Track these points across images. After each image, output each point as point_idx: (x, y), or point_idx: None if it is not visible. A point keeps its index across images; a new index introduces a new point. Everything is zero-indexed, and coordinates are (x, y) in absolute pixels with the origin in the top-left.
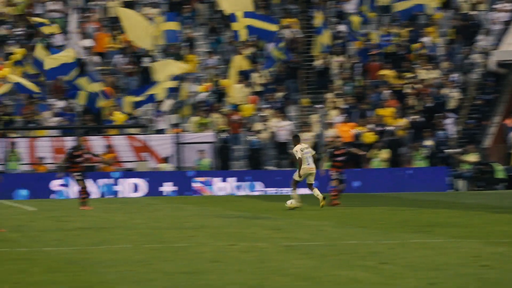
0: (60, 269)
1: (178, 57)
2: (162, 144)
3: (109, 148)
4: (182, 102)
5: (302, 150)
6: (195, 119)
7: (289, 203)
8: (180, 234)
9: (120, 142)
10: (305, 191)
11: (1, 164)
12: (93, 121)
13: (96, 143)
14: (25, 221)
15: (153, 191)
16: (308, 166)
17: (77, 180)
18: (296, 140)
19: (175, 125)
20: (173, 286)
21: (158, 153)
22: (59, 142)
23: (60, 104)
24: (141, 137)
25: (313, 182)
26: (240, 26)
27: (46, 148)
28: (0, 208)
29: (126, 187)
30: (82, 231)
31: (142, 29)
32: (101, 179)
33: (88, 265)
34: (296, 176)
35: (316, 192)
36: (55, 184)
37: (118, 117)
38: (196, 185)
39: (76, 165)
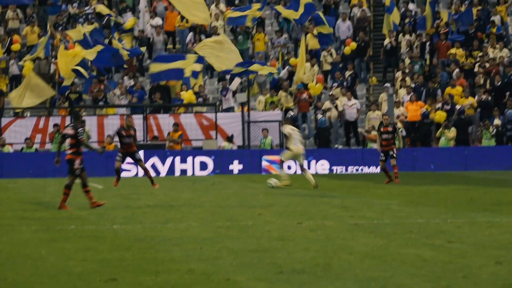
0: (128, 246)
1: (247, 36)
2: (230, 122)
3: (178, 126)
4: (250, 80)
5: (293, 130)
6: (263, 97)
7: (273, 182)
8: (248, 212)
9: (188, 121)
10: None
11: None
12: (162, 99)
13: (165, 121)
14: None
15: (223, 169)
16: (297, 146)
17: (136, 160)
18: (287, 121)
19: (243, 104)
20: (240, 264)
21: (226, 132)
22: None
23: (129, 82)
24: (210, 115)
25: (303, 163)
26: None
27: (114, 126)
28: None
29: (194, 165)
30: (150, 209)
31: (198, 5)
32: (169, 157)
33: (156, 243)
34: (284, 156)
35: (308, 175)
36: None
37: (187, 95)
38: (264, 163)
39: (125, 145)
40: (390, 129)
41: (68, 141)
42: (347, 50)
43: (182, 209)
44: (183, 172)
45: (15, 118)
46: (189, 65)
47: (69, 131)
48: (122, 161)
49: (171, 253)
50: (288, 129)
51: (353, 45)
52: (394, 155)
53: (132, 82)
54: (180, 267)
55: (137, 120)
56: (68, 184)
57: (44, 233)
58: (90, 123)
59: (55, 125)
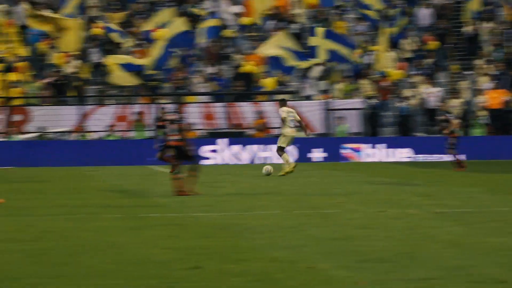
0: (210, 234)
1: (328, 23)
2: (311, 110)
3: (259, 114)
4: (331, 68)
5: (288, 113)
6: (341, 85)
7: (266, 170)
8: (330, 200)
9: (269, 108)
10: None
11: (152, 130)
12: (243, 87)
13: (246, 109)
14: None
15: (303, 157)
16: (291, 129)
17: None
18: (283, 103)
19: (324, 92)
20: (322, 252)
21: (307, 119)
22: (209, 108)
23: (210, 70)
24: (290, 103)
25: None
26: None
27: (196, 114)
28: (151, 174)
29: (276, 153)
30: (232, 197)
31: None
32: (250, 145)
33: (238, 230)
34: (280, 142)
35: (286, 158)
36: (205, 150)
37: (268, 83)
38: (345, 151)
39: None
40: (446, 117)
41: (171, 127)
42: (428, 46)
43: (265, 197)
44: (265, 160)
45: (97, 106)
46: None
47: (173, 116)
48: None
49: (254, 241)
50: (285, 113)
51: (433, 43)
52: (453, 143)
53: (213, 70)
54: (264, 255)
55: (218, 108)
56: (194, 170)
57: (127, 221)
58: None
59: (136, 113)
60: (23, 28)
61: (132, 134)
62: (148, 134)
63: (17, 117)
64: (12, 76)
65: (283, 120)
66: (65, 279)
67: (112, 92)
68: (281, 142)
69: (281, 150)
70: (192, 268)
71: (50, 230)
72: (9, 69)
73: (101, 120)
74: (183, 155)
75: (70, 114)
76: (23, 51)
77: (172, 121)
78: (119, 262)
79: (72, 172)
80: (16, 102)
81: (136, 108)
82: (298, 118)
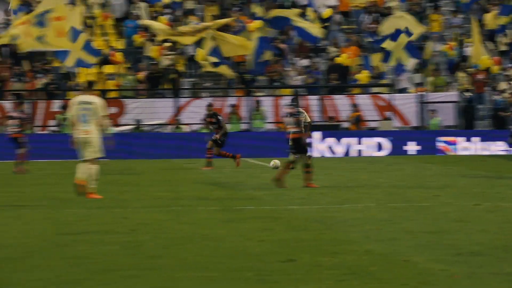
0: (305, 227)
1: (422, 16)
2: (405, 103)
3: (354, 107)
4: (426, 61)
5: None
6: (433, 78)
7: (273, 164)
8: (424, 193)
9: (364, 101)
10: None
11: (246, 123)
12: (338, 79)
13: (340, 102)
14: (268, 179)
15: (397, 150)
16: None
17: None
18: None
19: (419, 84)
20: (417, 245)
21: (402, 112)
22: (303, 101)
23: (304, 62)
24: (385, 96)
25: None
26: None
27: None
28: (245, 166)
29: (370, 146)
30: (327, 190)
31: None
32: (345, 138)
33: (333, 223)
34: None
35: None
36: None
37: (363, 76)
38: (440, 144)
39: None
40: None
41: (291, 119)
42: None
43: (359, 190)
44: (359, 153)
45: (192, 98)
46: None
47: (290, 110)
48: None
49: (348, 234)
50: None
51: None
52: None
53: (307, 63)
54: (358, 248)
55: (313, 101)
56: (308, 164)
57: (222, 213)
58: (266, 103)
59: (231, 106)
60: (119, 20)
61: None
62: (243, 126)
63: (112, 110)
64: (108, 69)
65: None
66: (160, 272)
67: (207, 85)
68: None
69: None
70: (286, 261)
71: (145, 223)
72: (105, 61)
73: (196, 112)
74: (300, 148)
75: (165, 106)
76: (119, 44)
77: (290, 114)
78: (213, 255)
79: (167, 165)
80: (112, 95)
81: (231, 100)
82: (309, 119)
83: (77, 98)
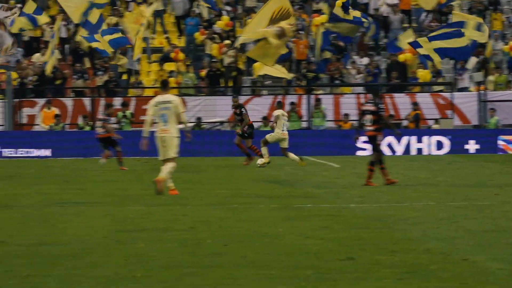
0: (364, 225)
1: (482, 15)
2: (466, 102)
3: (414, 106)
4: (487, 59)
5: (283, 115)
6: (494, 77)
7: (260, 161)
8: (484, 192)
9: (424, 100)
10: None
11: (306, 121)
12: (398, 78)
13: (400, 100)
14: (329, 178)
15: (457, 148)
16: (283, 131)
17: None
18: (279, 106)
19: (479, 83)
20: (476, 244)
21: (462, 111)
22: (364, 100)
23: (364, 61)
24: (445, 94)
25: (287, 147)
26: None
27: (351, 105)
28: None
29: (430, 145)
30: (386, 188)
31: None
32: (405, 136)
33: (392, 222)
34: (269, 138)
35: (292, 156)
36: (360, 141)
37: (423, 74)
38: (500, 143)
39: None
40: None
41: (369, 117)
42: None
43: (418, 188)
44: (419, 151)
45: (252, 96)
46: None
47: (370, 107)
48: (241, 137)
49: (407, 233)
50: (280, 113)
51: None
52: None
53: (367, 61)
54: (417, 246)
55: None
56: (373, 161)
57: (281, 211)
58: (326, 102)
59: (291, 104)
60: (180, 18)
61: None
62: (303, 125)
63: None
64: (169, 66)
65: (277, 122)
66: (219, 269)
67: (268, 83)
68: (270, 138)
69: (264, 144)
70: (346, 259)
71: (204, 220)
72: (165, 59)
73: (256, 110)
74: (374, 146)
75: (226, 104)
76: (179, 41)
77: (369, 112)
78: (273, 252)
79: (227, 162)
80: (172, 92)
81: (291, 98)
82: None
83: (155, 99)
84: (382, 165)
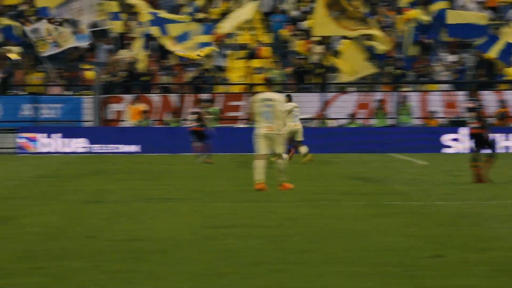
0: (452, 223)
1: None
2: None
3: (501, 103)
4: None
5: (296, 107)
6: None
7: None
8: None
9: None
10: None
11: (393, 118)
12: (485, 75)
13: (487, 98)
14: (416, 175)
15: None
16: (295, 123)
17: None
18: (289, 98)
19: None
20: None
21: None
22: (450, 97)
23: (451, 58)
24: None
25: (301, 140)
26: None
27: (437, 102)
28: (392, 161)
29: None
30: (473, 186)
31: None
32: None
33: (480, 219)
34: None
35: (303, 150)
36: (446, 139)
37: (511, 71)
38: None
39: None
40: None
41: (471, 114)
42: None
43: (506, 186)
44: (506, 149)
45: (338, 93)
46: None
47: (470, 105)
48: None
49: (496, 231)
50: (293, 105)
51: None
52: None
53: (454, 58)
54: (506, 245)
55: (460, 97)
56: (475, 158)
57: (369, 208)
58: (413, 99)
59: (377, 101)
60: (267, 15)
61: (373, 122)
62: (389, 122)
63: None
64: (255, 63)
65: (288, 114)
66: (307, 266)
67: (354, 80)
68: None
69: (290, 142)
70: (434, 256)
71: (292, 217)
72: (252, 55)
73: (343, 107)
74: (483, 143)
75: (312, 101)
76: (266, 38)
77: (471, 109)
78: (360, 250)
79: (315, 159)
80: (259, 89)
81: (378, 95)
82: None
83: (259, 96)
84: (478, 163)
